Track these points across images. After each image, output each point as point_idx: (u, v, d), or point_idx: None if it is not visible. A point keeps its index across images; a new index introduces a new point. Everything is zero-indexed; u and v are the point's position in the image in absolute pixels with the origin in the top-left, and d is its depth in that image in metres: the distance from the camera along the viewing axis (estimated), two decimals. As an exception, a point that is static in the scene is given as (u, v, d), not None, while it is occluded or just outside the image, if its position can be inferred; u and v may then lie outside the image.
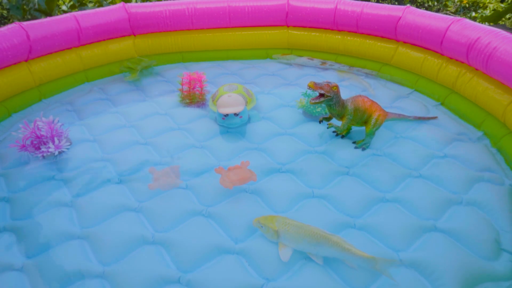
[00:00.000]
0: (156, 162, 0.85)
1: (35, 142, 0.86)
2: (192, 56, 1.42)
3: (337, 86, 0.88)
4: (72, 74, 1.23)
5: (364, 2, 1.27)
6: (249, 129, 0.99)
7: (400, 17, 1.19)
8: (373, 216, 0.70)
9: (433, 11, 1.46)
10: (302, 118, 1.04)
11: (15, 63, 1.07)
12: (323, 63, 1.31)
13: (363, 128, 0.95)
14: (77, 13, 1.21)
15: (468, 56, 1.00)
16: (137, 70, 1.26)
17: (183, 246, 0.64)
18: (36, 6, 1.91)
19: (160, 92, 1.19)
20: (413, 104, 1.10)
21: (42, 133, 0.85)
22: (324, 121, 0.98)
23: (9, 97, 1.07)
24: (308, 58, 1.34)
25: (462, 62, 1.07)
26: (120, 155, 0.88)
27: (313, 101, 0.89)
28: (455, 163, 0.85)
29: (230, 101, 0.97)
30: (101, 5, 2.05)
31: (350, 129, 0.98)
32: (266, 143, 0.93)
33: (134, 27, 1.32)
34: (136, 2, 2.19)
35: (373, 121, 0.92)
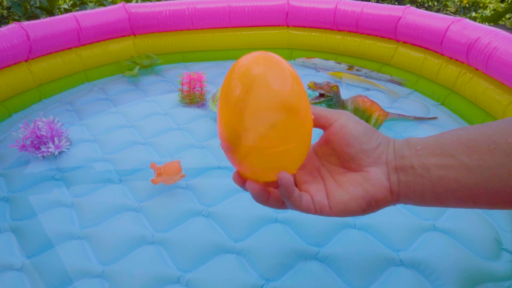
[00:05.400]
0: (156, 162, 0.85)
1: (35, 142, 0.85)
2: (192, 56, 1.42)
3: (337, 86, 0.88)
4: (72, 74, 1.23)
5: (364, 2, 1.27)
6: (249, 129, 0.99)
7: (400, 17, 1.18)
8: (373, 216, 0.70)
9: (433, 11, 1.46)
10: (302, 118, 1.04)
11: (15, 63, 1.07)
12: (350, 67, 1.28)
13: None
14: (77, 13, 1.20)
15: (468, 56, 1.00)
16: (142, 65, 1.26)
17: (183, 245, 0.64)
18: (37, 4, 1.91)
19: (160, 92, 1.19)
20: (413, 104, 1.10)
21: (42, 133, 0.85)
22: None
23: (9, 97, 1.06)
24: (336, 62, 1.31)
25: (462, 62, 1.06)
26: (120, 155, 0.88)
27: (313, 101, 0.88)
28: (455, 163, 0.85)
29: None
30: (101, 4, 2.05)
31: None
32: (266, 143, 0.93)
33: (134, 27, 1.32)
34: (136, 2, 2.19)
35: (373, 121, 0.91)
